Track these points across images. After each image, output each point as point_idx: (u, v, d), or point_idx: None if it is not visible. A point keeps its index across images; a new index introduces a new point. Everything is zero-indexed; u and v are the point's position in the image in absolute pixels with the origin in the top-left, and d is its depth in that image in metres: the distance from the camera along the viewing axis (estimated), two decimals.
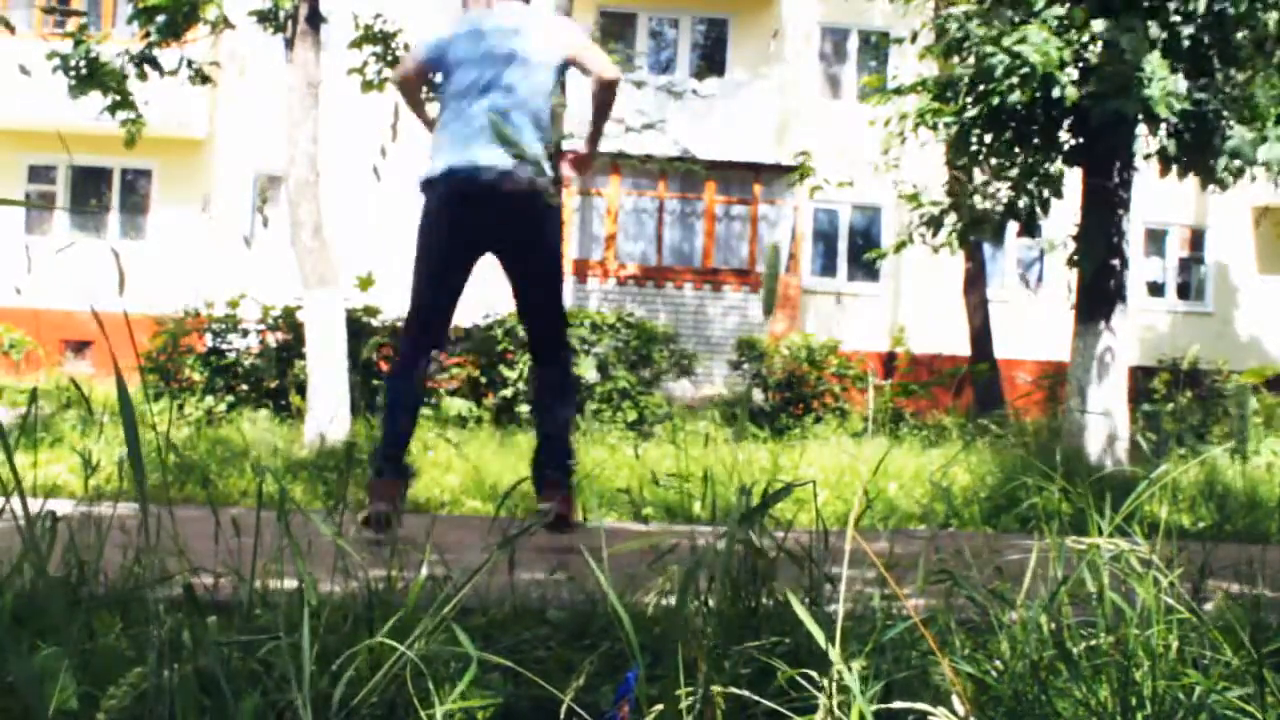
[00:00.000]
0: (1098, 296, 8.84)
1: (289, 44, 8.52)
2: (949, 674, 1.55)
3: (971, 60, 8.58)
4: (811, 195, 13.57)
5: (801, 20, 20.14)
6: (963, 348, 16.34)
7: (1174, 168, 8.74)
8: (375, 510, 3.81)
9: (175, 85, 9.94)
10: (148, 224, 19.40)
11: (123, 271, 1.78)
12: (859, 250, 19.65)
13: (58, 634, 1.79)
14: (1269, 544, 4.24)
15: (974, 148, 8.87)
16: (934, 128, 8.82)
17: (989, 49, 8.00)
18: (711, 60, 20.36)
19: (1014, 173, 9.13)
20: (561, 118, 14.26)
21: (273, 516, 1.95)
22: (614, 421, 10.41)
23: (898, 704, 1.52)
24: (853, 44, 20.44)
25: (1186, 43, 8.27)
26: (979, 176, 9.45)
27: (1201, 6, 8.11)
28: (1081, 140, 8.90)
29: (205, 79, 9.90)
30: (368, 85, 10.28)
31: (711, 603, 1.95)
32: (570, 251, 18.86)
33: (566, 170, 4.21)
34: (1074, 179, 9.14)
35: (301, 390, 9.15)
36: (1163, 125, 8.41)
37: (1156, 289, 20.82)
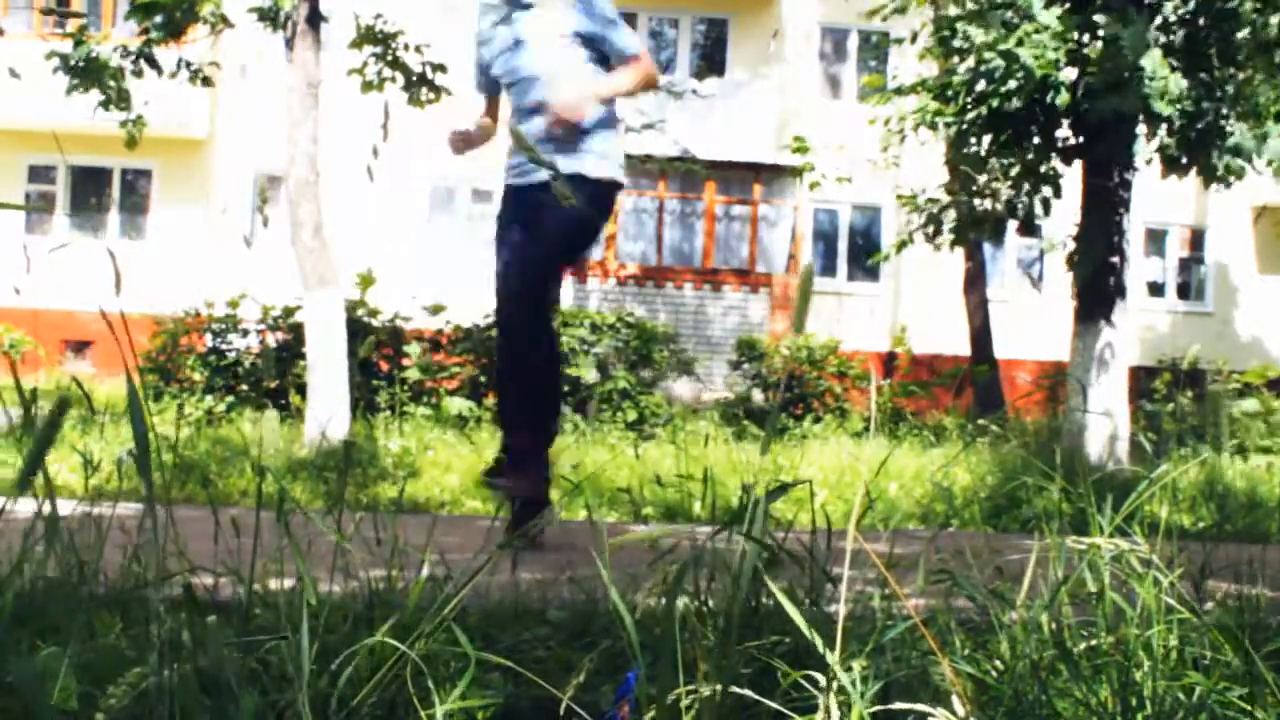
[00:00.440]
0: (1098, 296, 8.85)
1: (289, 44, 8.52)
2: (949, 674, 1.55)
3: (971, 61, 8.59)
4: (812, 188, 13.55)
5: (801, 20, 20.14)
6: (963, 348, 16.34)
7: (1175, 168, 8.74)
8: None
9: (175, 85, 9.94)
10: (148, 224, 19.40)
11: (119, 272, 1.78)
12: (859, 250, 19.66)
13: (58, 634, 1.79)
14: (1269, 544, 4.24)
15: (974, 148, 8.87)
16: (934, 128, 8.83)
17: (986, 54, 8.01)
18: (711, 60, 20.37)
19: (1014, 172, 9.13)
20: None
21: (273, 516, 1.95)
22: (614, 421, 10.41)
23: (897, 705, 1.52)
24: (853, 44, 20.44)
25: (1185, 42, 8.27)
26: (979, 176, 9.46)
27: (1198, 5, 8.12)
28: (1081, 140, 8.91)
29: (205, 81, 9.90)
30: (367, 86, 10.28)
31: (711, 602, 1.95)
32: None
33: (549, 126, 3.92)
34: (1074, 179, 9.14)
35: (301, 390, 9.15)
36: (1163, 125, 8.41)
37: (1156, 289, 20.83)
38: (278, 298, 10.78)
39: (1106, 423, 8.60)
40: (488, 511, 5.49)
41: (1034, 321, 19.37)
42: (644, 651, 1.54)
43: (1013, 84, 7.94)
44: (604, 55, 3.95)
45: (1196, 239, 20.94)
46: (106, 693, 1.55)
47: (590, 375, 10.69)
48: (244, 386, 10.31)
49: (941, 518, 5.70)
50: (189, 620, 1.62)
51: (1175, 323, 20.49)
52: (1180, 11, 8.21)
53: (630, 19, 19.93)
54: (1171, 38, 8.25)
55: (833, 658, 1.39)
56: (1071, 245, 9.14)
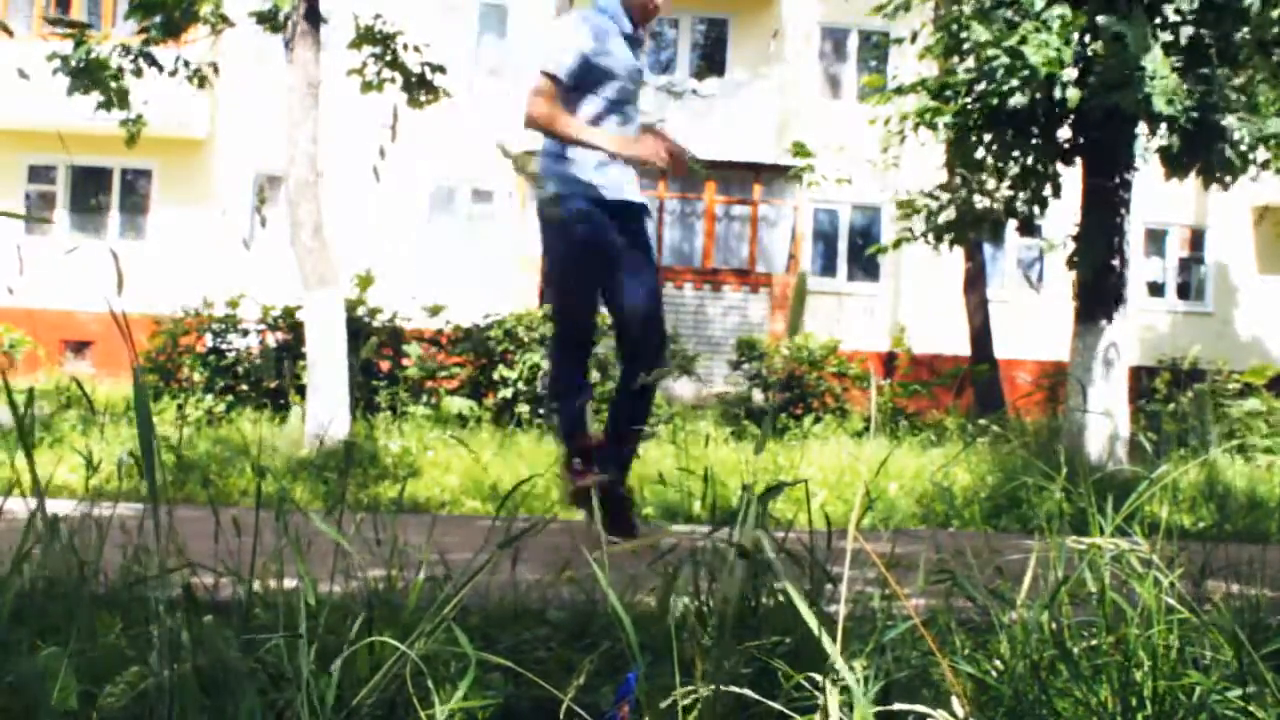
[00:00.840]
0: (1098, 296, 8.85)
1: (289, 44, 8.52)
2: (948, 674, 1.55)
3: (971, 61, 8.58)
4: (810, 187, 13.55)
5: (801, 20, 20.14)
6: (963, 348, 16.34)
7: (1175, 168, 8.74)
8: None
9: (175, 86, 9.94)
10: (148, 224, 19.40)
11: (121, 273, 1.78)
12: (859, 250, 19.65)
13: (58, 634, 1.79)
14: (1269, 544, 4.24)
15: (974, 148, 8.87)
16: (934, 128, 8.83)
17: (990, 51, 8.00)
18: (711, 60, 20.37)
19: (1014, 172, 9.13)
20: None
21: (273, 517, 1.95)
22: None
23: (898, 706, 1.52)
24: (853, 44, 20.44)
25: (1186, 42, 8.27)
26: (979, 176, 9.45)
27: (1198, 3, 8.11)
28: (1082, 140, 8.91)
29: (202, 81, 9.89)
30: (367, 86, 10.27)
31: (710, 603, 1.95)
32: None
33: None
34: (1074, 179, 9.14)
35: (301, 390, 9.15)
36: (1163, 124, 8.41)
37: (1156, 289, 20.82)
38: (278, 298, 10.78)
39: (1106, 423, 8.60)
40: (488, 512, 5.49)
41: (1034, 321, 19.36)
42: (644, 652, 1.54)
43: (1015, 82, 7.93)
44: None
45: (1196, 239, 20.94)
46: (105, 692, 1.55)
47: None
48: (244, 386, 10.31)
49: (941, 518, 5.70)
50: (187, 620, 1.62)
51: (1175, 323, 20.49)
52: (1181, 10, 8.21)
53: None
54: (1172, 37, 8.25)
55: (838, 656, 1.39)
56: (1071, 245, 9.14)
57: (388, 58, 10.17)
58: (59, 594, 1.98)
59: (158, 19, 8.86)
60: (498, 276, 17.89)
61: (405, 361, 10.53)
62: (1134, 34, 7.67)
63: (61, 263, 18.00)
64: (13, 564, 1.92)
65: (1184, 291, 21.01)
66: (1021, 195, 9.17)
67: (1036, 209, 9.16)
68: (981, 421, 10.29)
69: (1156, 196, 14.99)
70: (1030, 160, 8.94)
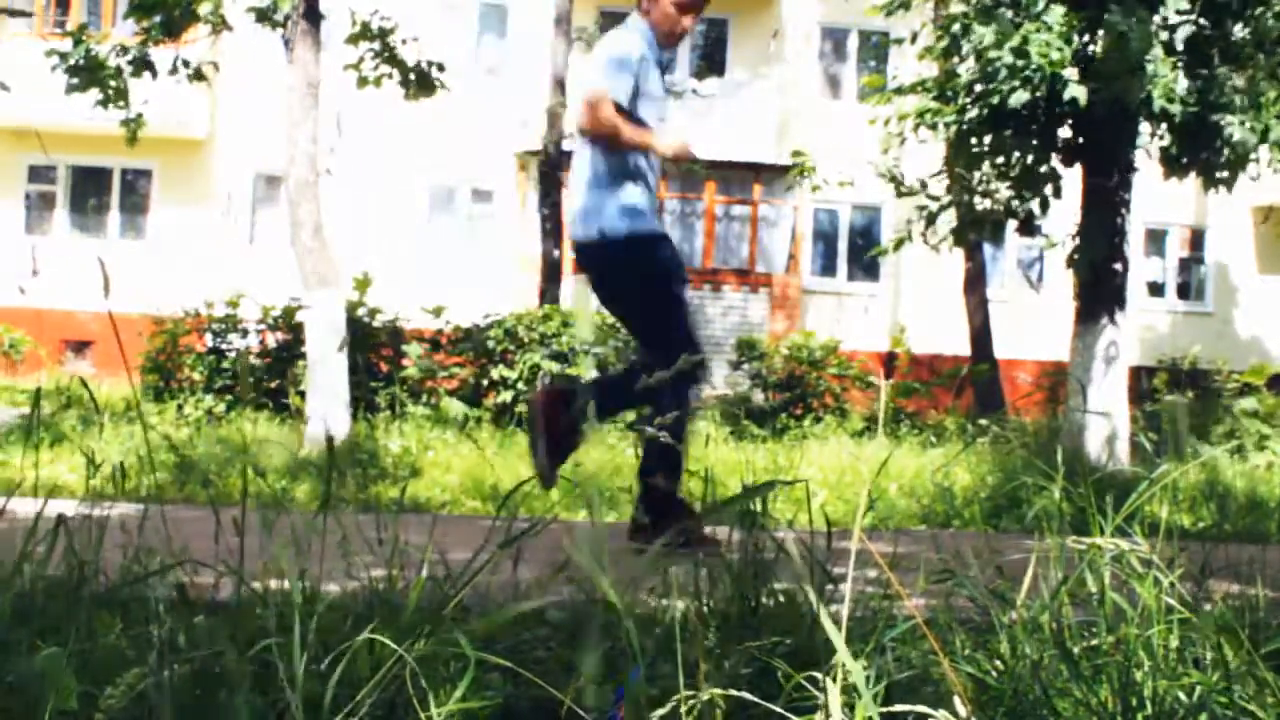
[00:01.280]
0: (1098, 296, 8.84)
1: (289, 44, 8.52)
2: (949, 674, 1.55)
3: (972, 61, 8.58)
4: (813, 191, 13.56)
5: (801, 20, 20.14)
6: (963, 348, 16.34)
7: (1175, 169, 8.74)
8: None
9: (176, 86, 9.95)
10: (148, 224, 19.40)
11: (108, 278, 1.79)
12: (859, 250, 19.65)
13: (58, 634, 1.79)
14: (1269, 544, 4.24)
15: (974, 148, 8.87)
16: (934, 128, 8.83)
17: (993, 53, 8.00)
18: (711, 60, 20.37)
19: (1013, 173, 9.13)
20: (560, 117, 14.26)
21: (274, 517, 1.95)
22: (614, 422, 10.40)
23: (899, 706, 1.52)
24: (853, 44, 20.44)
25: (1187, 40, 8.26)
26: (978, 176, 9.45)
27: (1198, 2, 8.12)
28: (1082, 140, 8.91)
29: (198, 75, 9.89)
30: (363, 81, 10.27)
31: (710, 602, 1.95)
32: (571, 252, 18.86)
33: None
34: (1074, 179, 9.14)
35: (301, 391, 9.15)
36: (1164, 124, 8.41)
37: (1156, 289, 20.83)
38: (278, 298, 10.78)
39: (1106, 423, 8.60)
40: (488, 512, 5.49)
41: (1034, 321, 19.37)
42: (644, 652, 1.54)
43: (1017, 81, 7.93)
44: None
45: (1196, 239, 20.94)
46: (105, 693, 1.55)
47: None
48: (239, 388, 10.30)
49: (941, 518, 5.70)
50: (180, 619, 1.62)
51: (1175, 323, 20.49)
52: (1180, 10, 8.21)
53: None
54: (1173, 36, 8.25)
55: (846, 654, 1.39)
56: (1072, 245, 9.14)
57: (385, 54, 10.17)
58: (59, 594, 1.98)
59: (157, 19, 8.87)
60: (498, 276, 17.88)
61: (405, 362, 10.53)
62: (1138, 31, 7.67)
63: (62, 263, 18.01)
64: (14, 565, 1.92)
65: (1184, 291, 21.01)
66: (1022, 195, 9.16)
67: (1037, 209, 9.16)
68: (982, 421, 10.30)
69: (1156, 196, 14.99)
70: (1030, 160, 8.94)
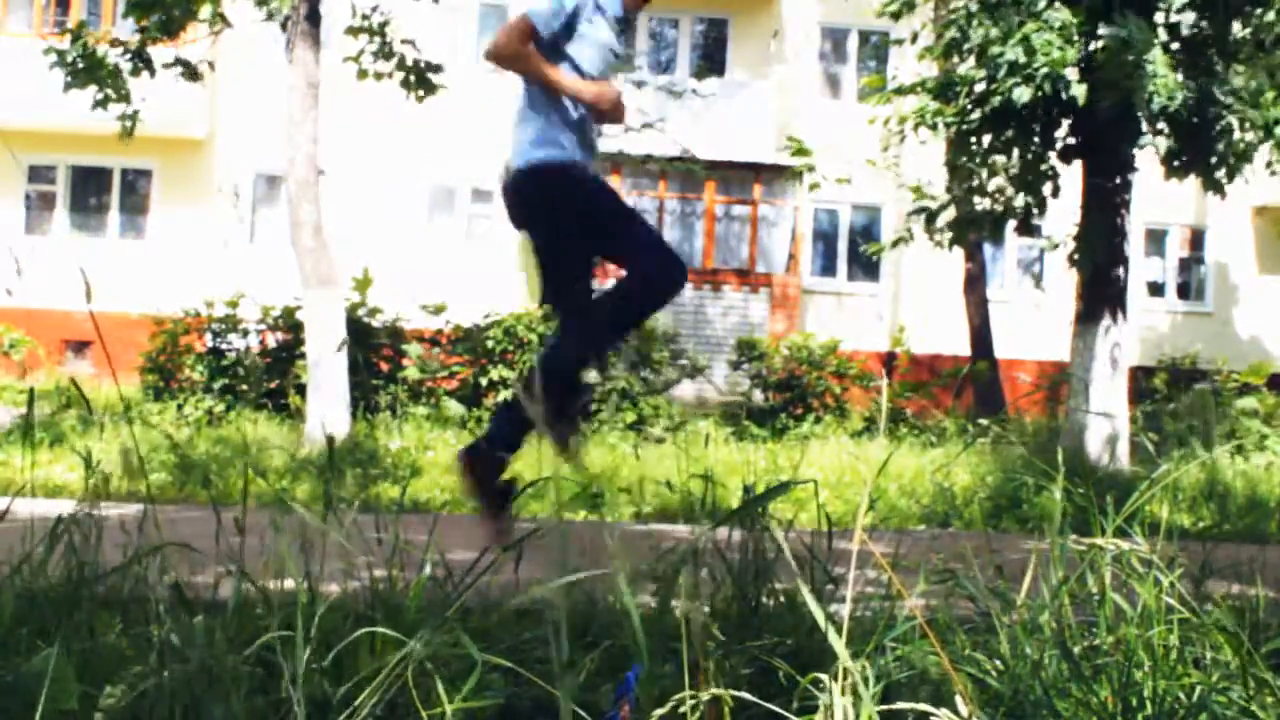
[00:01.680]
0: (1098, 296, 8.85)
1: (289, 44, 8.52)
2: (950, 673, 1.55)
3: (973, 60, 8.59)
4: (812, 189, 13.54)
5: (801, 20, 20.14)
6: (963, 348, 16.34)
7: (1175, 170, 8.74)
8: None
9: (176, 85, 9.95)
10: (148, 224, 19.40)
11: (89, 285, 1.79)
12: (859, 250, 19.66)
13: (58, 634, 1.79)
14: (1269, 544, 4.24)
15: (974, 147, 8.88)
16: (934, 128, 8.83)
17: (997, 49, 8.00)
18: (711, 60, 20.36)
19: (1013, 172, 9.14)
20: None
21: (281, 516, 1.95)
22: (614, 422, 10.41)
23: (900, 705, 1.52)
24: (853, 44, 20.44)
25: (1186, 41, 8.27)
26: (978, 174, 9.45)
27: (1199, 3, 8.12)
28: (1082, 140, 8.91)
29: (194, 75, 9.87)
30: (362, 74, 10.26)
31: (710, 603, 1.95)
32: None
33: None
34: (1074, 179, 9.14)
35: (301, 390, 9.15)
36: (1164, 124, 8.42)
37: (1156, 289, 20.82)
38: (278, 298, 10.78)
39: (1107, 423, 8.60)
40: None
41: (1034, 321, 19.37)
42: (645, 652, 1.54)
43: (1020, 79, 7.93)
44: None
45: (1196, 239, 20.94)
46: (105, 693, 1.55)
47: (590, 375, 10.67)
48: (244, 386, 10.31)
49: (941, 518, 5.70)
50: (176, 619, 1.62)
51: (1175, 323, 20.49)
52: (1181, 10, 8.21)
53: (630, 19, 19.92)
54: (1170, 36, 8.25)
55: (844, 655, 1.39)
56: (1072, 244, 9.15)
57: (384, 51, 10.16)
58: (59, 594, 1.98)
59: (156, 18, 8.86)
60: (498, 276, 17.89)
61: (405, 362, 10.53)
62: (1140, 37, 7.68)
63: (61, 263, 18.00)
64: (12, 567, 1.92)
65: (1184, 291, 21.00)
66: (1022, 195, 9.17)
67: (1035, 208, 9.17)
68: (982, 422, 10.30)
69: (1156, 196, 14.99)
70: (1030, 159, 8.95)
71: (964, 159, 9.01)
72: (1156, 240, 20.71)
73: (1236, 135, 8.31)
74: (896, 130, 9.40)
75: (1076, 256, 8.97)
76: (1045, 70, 7.85)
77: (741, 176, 19.36)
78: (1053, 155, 9.03)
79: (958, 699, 1.48)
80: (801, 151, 13.11)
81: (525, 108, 4.02)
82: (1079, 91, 7.91)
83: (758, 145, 19.16)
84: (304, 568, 1.89)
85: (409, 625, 1.80)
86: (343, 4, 10.35)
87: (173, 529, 2.09)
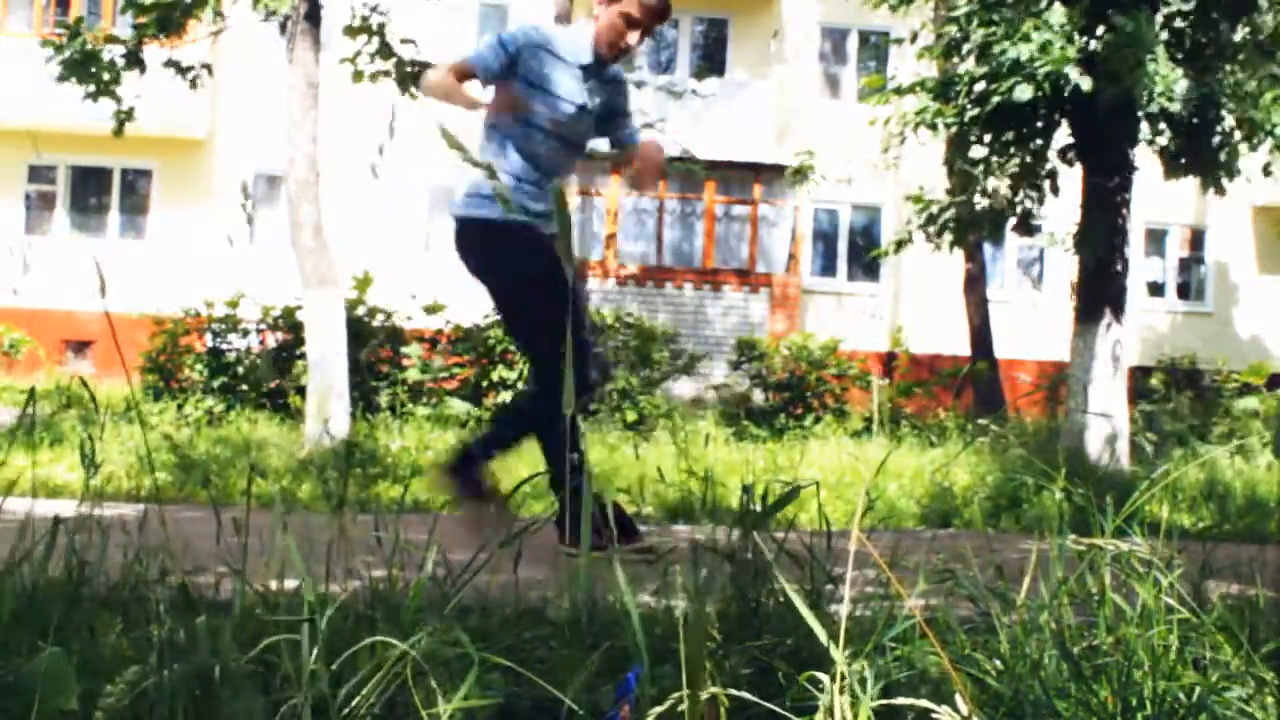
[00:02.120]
0: (1098, 296, 8.85)
1: (289, 44, 8.52)
2: (950, 672, 1.55)
3: (973, 60, 8.59)
4: (810, 184, 13.55)
5: (801, 20, 20.14)
6: (963, 348, 16.34)
7: (1175, 169, 8.75)
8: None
9: (175, 86, 9.94)
10: (148, 224, 19.40)
11: (103, 279, 1.79)
12: (859, 250, 19.65)
13: (58, 634, 1.79)
14: (1269, 544, 4.24)
15: (974, 147, 8.88)
16: (933, 128, 8.83)
17: (1000, 46, 7.99)
18: (711, 60, 20.36)
19: (1012, 170, 9.14)
20: None
21: (284, 516, 1.95)
22: (614, 422, 10.41)
23: (899, 700, 1.52)
24: (853, 44, 20.45)
25: (1188, 40, 8.28)
26: (978, 175, 9.46)
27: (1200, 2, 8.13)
28: (1082, 139, 8.91)
29: (193, 83, 9.87)
30: (358, 75, 10.26)
31: (711, 603, 1.95)
32: None
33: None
34: (1074, 179, 9.15)
35: (301, 390, 9.15)
36: (1164, 123, 8.42)
37: (1156, 289, 20.82)
38: (278, 298, 10.78)
39: (1106, 423, 8.60)
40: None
41: (1034, 321, 19.37)
42: (646, 652, 1.54)
43: (1021, 77, 7.93)
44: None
45: (1196, 239, 20.94)
46: (105, 691, 1.55)
47: (590, 375, 10.67)
48: (244, 386, 10.31)
49: (941, 518, 5.70)
50: (181, 619, 1.62)
51: (1175, 323, 20.49)
52: (1180, 11, 8.22)
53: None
54: (1174, 34, 8.25)
55: (840, 656, 1.39)
56: (1071, 244, 9.16)
57: (382, 51, 10.15)
58: (59, 594, 1.98)
59: (153, 16, 8.86)
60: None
61: (405, 362, 10.52)
62: (1145, 29, 7.68)
63: (62, 263, 18.01)
64: (7, 565, 1.92)
65: (1184, 291, 21.00)
66: (1022, 193, 9.17)
67: (1035, 207, 9.17)
68: (981, 421, 10.30)
69: (1156, 196, 14.98)
70: (1029, 158, 8.95)
71: (963, 159, 9.01)
72: (1156, 240, 20.71)
73: (1237, 136, 8.32)
74: (896, 131, 9.40)
75: (1076, 246, 8.96)
76: (1047, 68, 7.85)
77: (741, 176, 19.36)
78: (1052, 155, 9.04)
79: (957, 697, 1.48)
80: (807, 167, 13.13)
81: (482, 151, 3.93)
82: (1084, 84, 7.90)
83: (758, 145, 19.16)
84: (308, 568, 1.89)
85: (409, 625, 1.80)
86: (342, 4, 10.35)
87: (173, 529, 2.10)
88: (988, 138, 8.88)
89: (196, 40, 10.01)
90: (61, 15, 18.56)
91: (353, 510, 3.67)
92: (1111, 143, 8.67)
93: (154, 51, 9.58)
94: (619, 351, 11.22)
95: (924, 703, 1.47)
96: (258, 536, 1.96)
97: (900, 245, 10.40)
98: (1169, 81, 7.80)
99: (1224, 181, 8.71)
